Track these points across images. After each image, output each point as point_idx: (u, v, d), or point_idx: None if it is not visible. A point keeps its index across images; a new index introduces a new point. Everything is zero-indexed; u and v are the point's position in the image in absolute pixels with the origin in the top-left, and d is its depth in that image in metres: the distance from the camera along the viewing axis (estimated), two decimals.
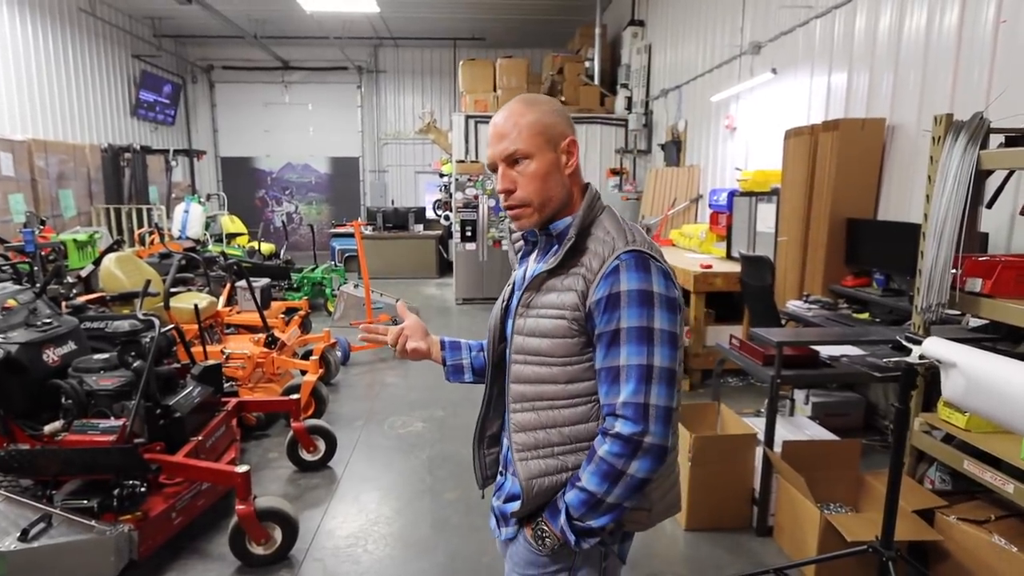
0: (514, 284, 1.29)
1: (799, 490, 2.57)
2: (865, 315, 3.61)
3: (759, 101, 5.49)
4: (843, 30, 4.28)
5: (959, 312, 2.67)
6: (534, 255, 1.27)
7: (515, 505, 1.21)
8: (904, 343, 2.09)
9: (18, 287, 2.98)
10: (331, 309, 7.13)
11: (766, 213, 4.68)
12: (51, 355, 2.71)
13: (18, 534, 2.01)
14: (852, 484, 2.79)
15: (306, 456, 3.47)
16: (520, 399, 1.19)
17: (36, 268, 3.85)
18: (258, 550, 2.58)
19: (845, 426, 3.70)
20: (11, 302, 2.81)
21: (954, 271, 2.44)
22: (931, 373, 2.56)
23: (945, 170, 2.44)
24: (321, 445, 3.49)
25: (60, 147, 7.44)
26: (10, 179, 6.33)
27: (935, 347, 1.91)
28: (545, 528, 1.17)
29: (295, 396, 3.48)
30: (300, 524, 2.70)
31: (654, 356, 1.07)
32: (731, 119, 5.94)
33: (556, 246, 1.19)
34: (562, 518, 1.14)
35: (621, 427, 1.07)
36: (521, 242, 1.32)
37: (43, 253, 4.39)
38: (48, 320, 2.83)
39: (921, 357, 1.98)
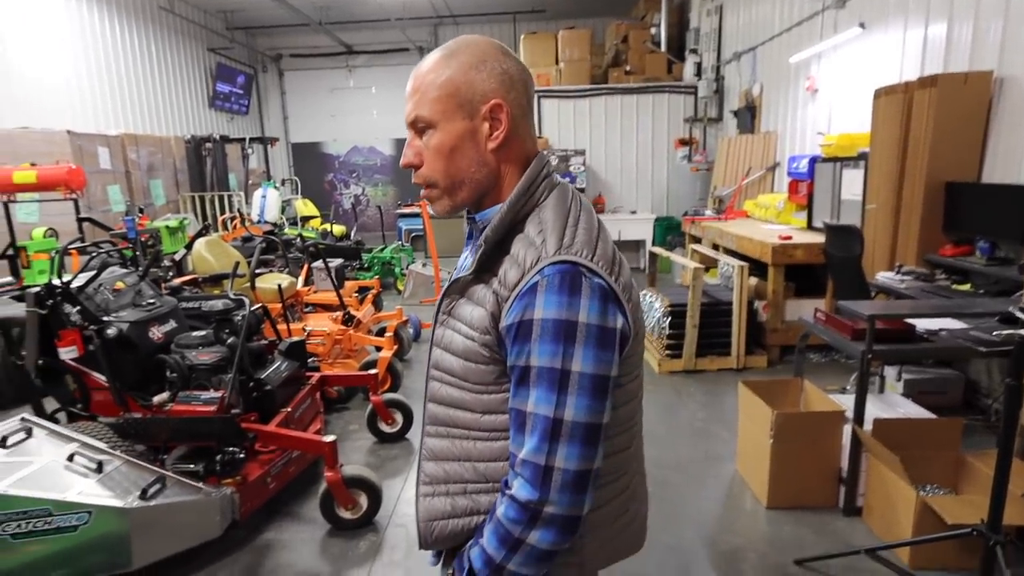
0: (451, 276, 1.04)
1: (893, 470, 2.44)
2: (966, 286, 3.35)
3: (844, 59, 5.12)
4: None
5: None
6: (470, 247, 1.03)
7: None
8: (1018, 315, 1.93)
9: (124, 271, 3.23)
10: (400, 288, 7.33)
11: (852, 179, 4.40)
12: (156, 332, 2.93)
13: (138, 493, 2.21)
14: (951, 465, 2.62)
15: (385, 428, 3.61)
16: (434, 421, 1.00)
17: (138, 253, 4.15)
18: (346, 515, 2.73)
19: (941, 404, 3.46)
20: (120, 284, 3.05)
21: None
22: None
23: None
24: (399, 418, 3.62)
25: (149, 140, 7.94)
26: (108, 171, 6.82)
27: None
28: None
29: (373, 371, 3.61)
30: (383, 492, 2.83)
31: (566, 408, 0.84)
32: (812, 80, 5.58)
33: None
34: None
35: (518, 489, 0.86)
36: (467, 219, 1.04)
37: (142, 239, 4.73)
38: (152, 300, 3.06)
39: None
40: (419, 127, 0.94)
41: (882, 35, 4.57)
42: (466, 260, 1.00)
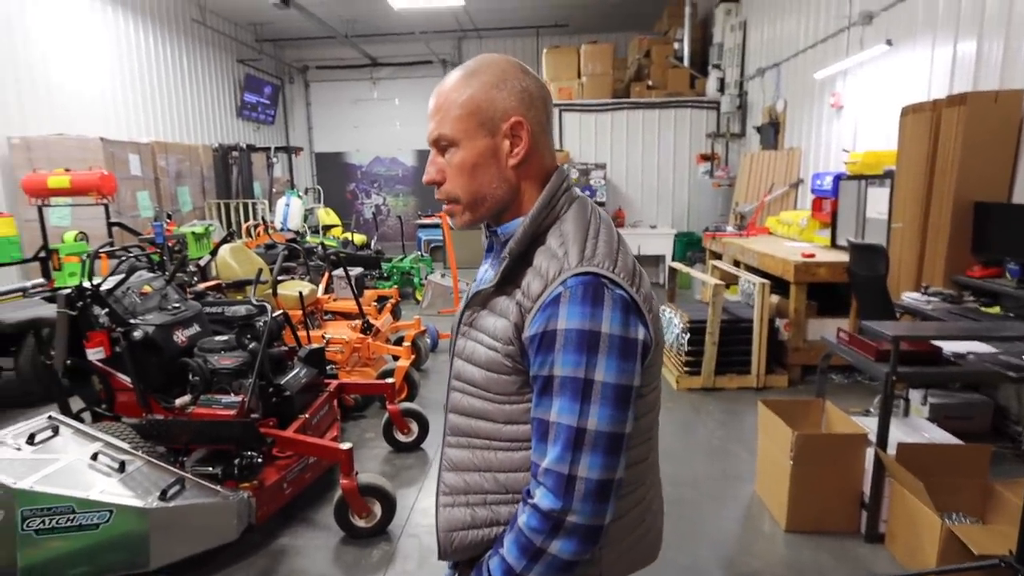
0: (472, 288, 1.05)
1: (917, 496, 2.38)
2: (995, 309, 3.27)
3: (870, 76, 5.07)
4: None
5: None
6: (492, 256, 1.04)
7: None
8: None
9: (152, 275, 3.31)
10: (419, 298, 7.37)
11: (877, 198, 4.33)
12: (180, 336, 2.98)
13: (158, 494, 2.24)
14: (978, 493, 2.55)
15: (400, 437, 3.62)
16: (455, 432, 1.00)
17: (165, 258, 4.25)
18: (360, 522, 2.74)
19: (968, 430, 3.37)
20: (147, 288, 3.12)
21: None
22: None
23: None
24: (414, 427, 3.63)
25: (178, 148, 8.14)
26: (138, 178, 7.00)
27: None
28: None
29: (390, 380, 3.63)
30: (397, 501, 2.83)
31: (589, 417, 0.84)
32: (837, 97, 5.54)
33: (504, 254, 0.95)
34: None
35: (540, 498, 0.87)
36: (485, 232, 1.06)
37: (170, 244, 4.84)
38: (177, 305, 3.13)
39: None
40: (442, 145, 0.96)
41: (910, 52, 4.52)
42: (487, 273, 1.02)
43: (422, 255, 8.71)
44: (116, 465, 2.30)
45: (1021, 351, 2.50)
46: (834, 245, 4.90)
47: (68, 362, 2.80)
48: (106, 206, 5.33)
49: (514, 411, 0.94)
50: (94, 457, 2.32)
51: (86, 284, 2.82)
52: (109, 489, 2.21)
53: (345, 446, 2.67)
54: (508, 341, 0.91)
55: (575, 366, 0.85)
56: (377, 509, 2.75)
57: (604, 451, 0.85)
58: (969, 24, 3.88)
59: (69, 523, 2.13)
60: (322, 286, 5.44)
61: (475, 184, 0.95)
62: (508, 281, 0.94)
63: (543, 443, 0.88)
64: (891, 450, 2.54)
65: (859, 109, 5.27)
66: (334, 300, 5.31)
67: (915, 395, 3.54)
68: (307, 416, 2.97)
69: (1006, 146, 3.47)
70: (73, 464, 2.28)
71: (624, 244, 0.95)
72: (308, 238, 8.00)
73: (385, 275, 7.55)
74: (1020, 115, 3.43)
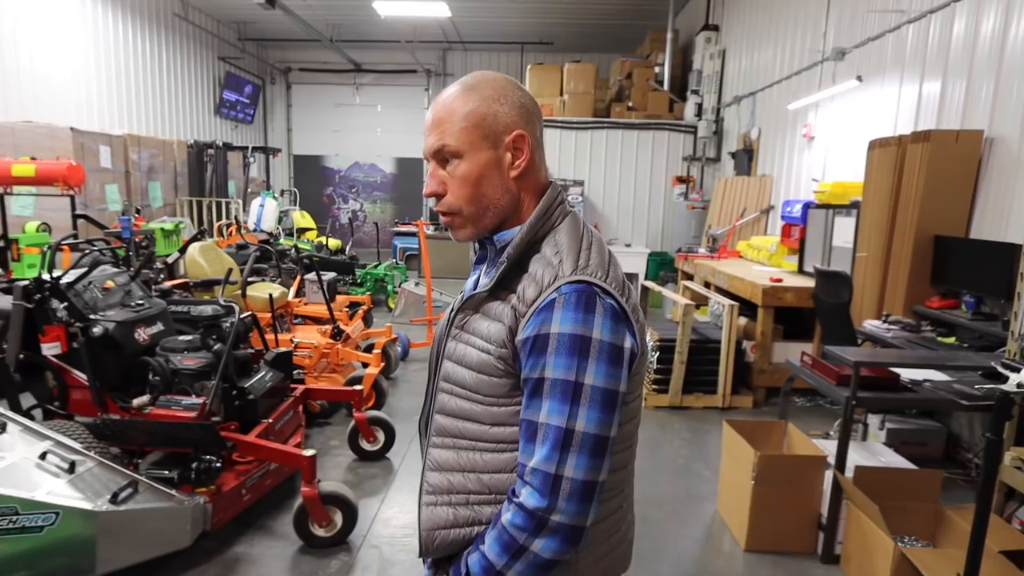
0: (463, 294, 1.08)
1: (872, 519, 2.43)
2: (951, 339, 3.39)
3: (840, 110, 5.25)
4: (939, 36, 4.03)
5: None
6: (485, 264, 1.08)
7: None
8: (1000, 370, 1.96)
9: (116, 270, 3.22)
10: (392, 305, 7.31)
11: (844, 227, 4.47)
12: (142, 334, 2.90)
13: (109, 496, 2.16)
14: (930, 517, 2.62)
15: (366, 446, 3.57)
16: (441, 432, 1.02)
17: (131, 253, 4.14)
18: (320, 532, 2.68)
19: (923, 456, 3.47)
20: (110, 283, 3.04)
21: None
22: None
23: None
24: (381, 436, 3.58)
25: (151, 142, 7.97)
26: (108, 170, 6.83)
27: None
28: None
29: (358, 387, 3.59)
30: (359, 511, 2.78)
31: (577, 419, 0.88)
32: (809, 128, 5.72)
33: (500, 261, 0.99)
34: None
35: (526, 497, 0.89)
36: (477, 244, 1.10)
37: (137, 240, 4.72)
38: (140, 302, 3.05)
39: (1020, 386, 1.85)
40: (443, 157, 0.98)
41: (879, 89, 4.70)
42: (479, 279, 1.06)
43: (397, 263, 8.66)
44: (66, 465, 2.21)
45: (974, 381, 2.59)
46: (801, 271, 5.03)
47: (21, 356, 2.70)
48: (72, 197, 5.18)
49: (502, 413, 0.96)
50: (43, 456, 2.23)
51: (45, 276, 2.73)
52: (57, 490, 2.13)
53: (308, 453, 2.62)
54: (501, 344, 0.94)
55: (566, 369, 0.88)
56: (338, 518, 2.70)
57: (590, 453, 0.89)
58: (934, 66, 4.06)
59: (11, 525, 2.04)
60: (293, 289, 5.36)
61: (479, 195, 0.97)
62: (503, 286, 0.97)
63: (531, 444, 0.90)
64: (849, 473, 2.60)
65: (829, 140, 5.45)
66: (305, 304, 5.24)
67: (873, 420, 3.64)
68: (270, 421, 2.91)
69: (965, 183, 3.62)
70: (19, 463, 2.19)
71: (614, 258, 0.99)
72: (282, 240, 7.89)
73: (358, 281, 7.48)
74: (979, 154, 3.59)
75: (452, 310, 1.06)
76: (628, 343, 0.92)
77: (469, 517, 0.99)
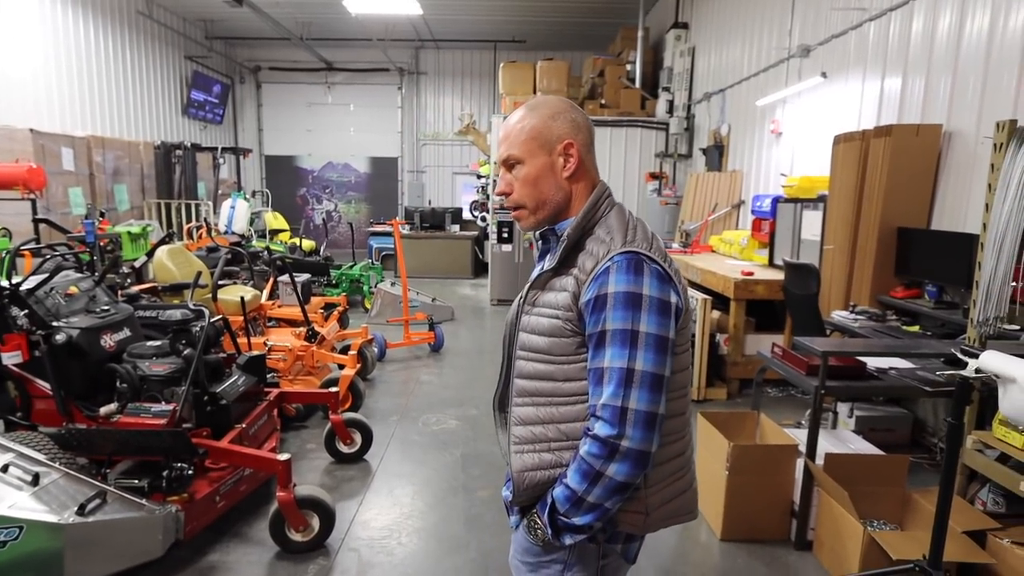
0: (531, 278, 1.32)
1: (842, 504, 2.50)
2: (915, 328, 3.49)
3: (806, 105, 5.36)
4: (899, 33, 4.14)
5: (1018, 327, 2.56)
6: (548, 256, 1.29)
7: (510, 494, 1.24)
8: (960, 356, 2.02)
9: (79, 275, 3.13)
10: (368, 306, 7.25)
11: (812, 220, 4.57)
12: (108, 340, 2.83)
13: (76, 508, 2.11)
14: (897, 501, 2.70)
15: (343, 448, 3.54)
16: (522, 393, 1.21)
17: (95, 258, 4.03)
18: (296, 537, 2.65)
19: (890, 442, 3.58)
20: (73, 289, 2.95)
21: (1014, 284, 2.34)
22: (987, 389, 2.46)
23: (1007, 178, 2.35)
24: (357, 438, 3.55)
25: (116, 144, 7.77)
26: (71, 173, 6.64)
27: (993, 361, 1.85)
28: (536, 520, 1.19)
29: (334, 389, 3.55)
30: (337, 514, 2.76)
31: (636, 360, 1.07)
32: (777, 124, 5.82)
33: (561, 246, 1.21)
34: (547, 512, 1.16)
35: (599, 428, 1.08)
36: (540, 241, 1.33)
37: (101, 244, 4.60)
38: (106, 307, 2.97)
39: (977, 371, 1.91)
40: (510, 164, 1.22)
41: (842, 85, 4.81)
42: (543, 264, 1.26)
43: (372, 263, 8.58)
44: (29, 478, 2.15)
45: (936, 368, 2.68)
46: (772, 264, 5.13)
47: None
48: (33, 201, 5.02)
49: (572, 370, 1.16)
50: (4, 469, 2.16)
51: (4, 283, 2.64)
52: (20, 503, 2.07)
53: (283, 457, 2.59)
54: (568, 308, 1.14)
55: (624, 320, 1.08)
56: (315, 523, 2.67)
57: (650, 387, 1.07)
58: (895, 62, 4.17)
59: None
60: (266, 292, 5.28)
61: (537, 192, 1.21)
62: (565, 264, 1.18)
63: (599, 386, 1.10)
64: (819, 460, 2.66)
65: (796, 136, 5.56)
66: (278, 306, 5.17)
67: (843, 408, 3.73)
68: (244, 426, 2.87)
69: (926, 176, 3.73)
70: None
71: (656, 235, 1.21)
72: (254, 242, 7.76)
73: (334, 282, 7.40)
74: (938, 148, 3.70)
75: (522, 295, 1.27)
76: (674, 299, 1.12)
77: (552, 460, 1.17)
